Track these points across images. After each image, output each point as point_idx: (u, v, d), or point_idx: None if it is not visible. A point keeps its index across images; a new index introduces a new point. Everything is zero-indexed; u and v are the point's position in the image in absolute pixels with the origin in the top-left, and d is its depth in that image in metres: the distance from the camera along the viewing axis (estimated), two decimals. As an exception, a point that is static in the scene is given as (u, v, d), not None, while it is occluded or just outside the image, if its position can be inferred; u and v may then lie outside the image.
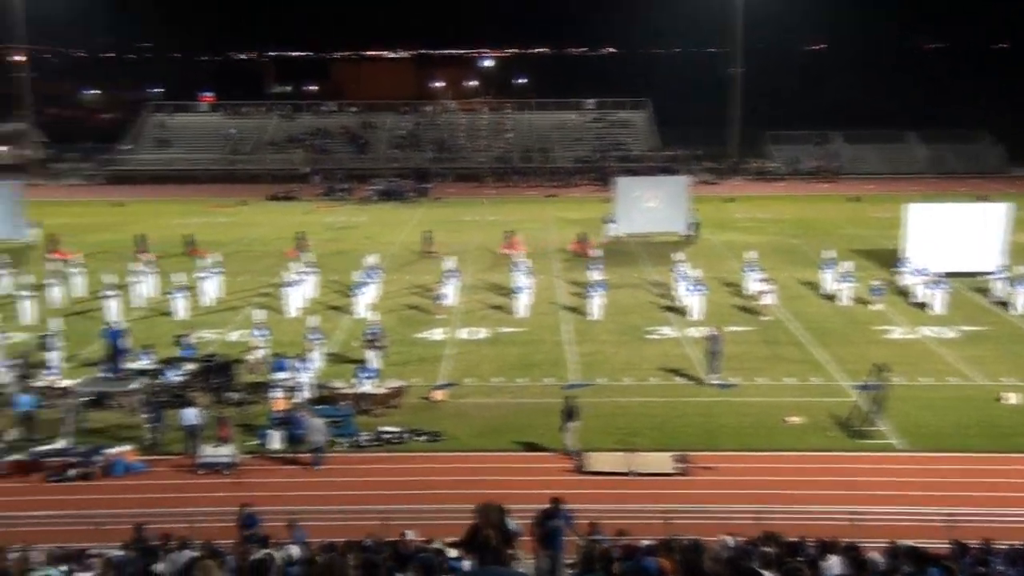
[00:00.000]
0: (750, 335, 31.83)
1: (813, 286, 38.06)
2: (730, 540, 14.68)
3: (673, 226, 48.99)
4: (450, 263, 38.05)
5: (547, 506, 16.06)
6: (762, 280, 35.83)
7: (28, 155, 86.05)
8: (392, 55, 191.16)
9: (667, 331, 32.70)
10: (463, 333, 32.65)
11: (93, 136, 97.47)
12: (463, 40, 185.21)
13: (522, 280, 35.95)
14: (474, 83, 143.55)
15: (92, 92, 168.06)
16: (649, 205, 49.42)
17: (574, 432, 22.33)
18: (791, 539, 15.22)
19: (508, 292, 36.86)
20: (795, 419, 24.20)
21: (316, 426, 22.35)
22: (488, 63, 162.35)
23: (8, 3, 79.64)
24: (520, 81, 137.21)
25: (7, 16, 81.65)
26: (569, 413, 22.41)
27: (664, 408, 25.48)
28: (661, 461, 21.72)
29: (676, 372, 28.24)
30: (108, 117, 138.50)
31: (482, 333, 32.69)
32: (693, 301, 34.21)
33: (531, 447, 22.83)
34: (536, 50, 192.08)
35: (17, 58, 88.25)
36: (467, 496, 19.25)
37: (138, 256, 40.59)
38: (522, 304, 35.00)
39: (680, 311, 34.82)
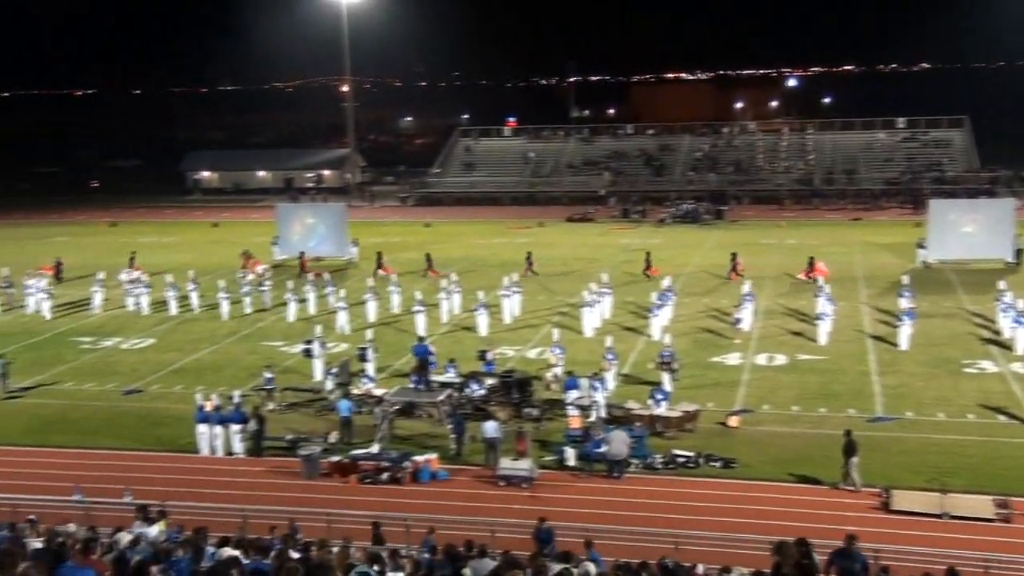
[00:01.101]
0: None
1: None
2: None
3: (995, 252, 45.41)
4: (747, 287, 37.25)
5: (841, 544, 15.27)
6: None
7: (350, 179, 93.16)
8: (691, 77, 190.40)
9: (987, 365, 30.28)
10: (760, 359, 31.82)
11: (407, 161, 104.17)
12: (765, 60, 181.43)
13: (825, 306, 34.54)
14: (775, 103, 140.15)
15: (407, 119, 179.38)
16: (966, 230, 46.15)
17: (856, 468, 21.22)
18: None
19: (808, 318, 35.56)
20: None
21: (619, 438, 22.56)
22: (792, 82, 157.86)
23: (336, 40, 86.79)
24: (825, 100, 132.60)
25: (336, 51, 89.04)
26: (848, 448, 21.30)
27: (982, 448, 23.57)
28: (981, 505, 20.05)
29: (998, 410, 26.05)
30: (421, 142, 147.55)
31: (780, 359, 31.71)
32: (1019, 334, 31.49)
33: (828, 481, 21.81)
34: (843, 68, 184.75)
35: (343, 89, 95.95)
36: (760, 526, 18.80)
37: (431, 274, 43.05)
38: (824, 331, 33.62)
39: (1004, 344, 32.15)
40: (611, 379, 28.11)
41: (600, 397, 25.95)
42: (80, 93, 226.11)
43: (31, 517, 16.68)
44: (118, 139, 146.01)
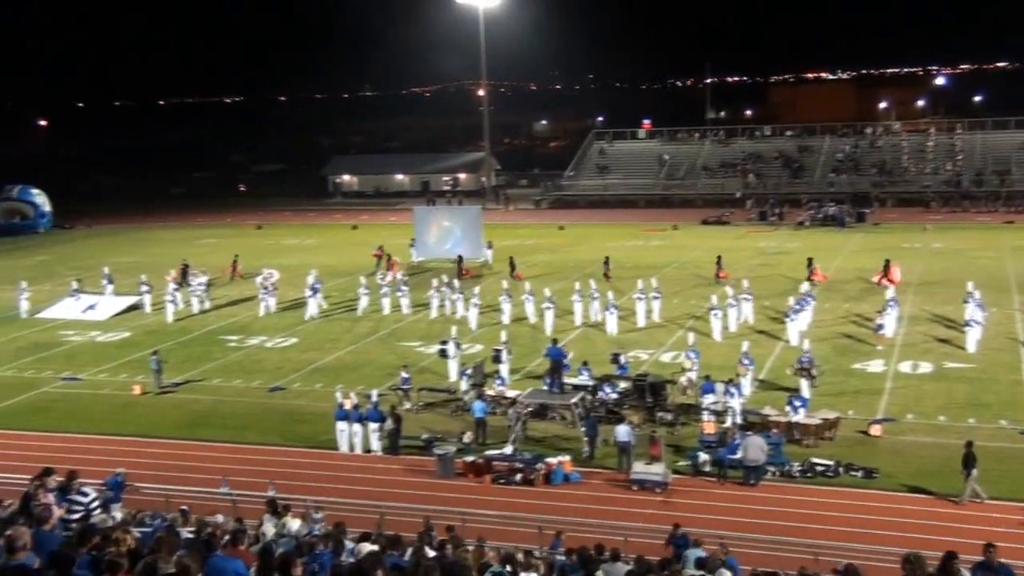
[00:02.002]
0: None
1: None
2: None
3: None
4: (890, 292, 36.03)
5: (981, 558, 14.63)
6: None
7: (485, 182, 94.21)
8: (832, 76, 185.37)
9: None
10: (904, 366, 30.74)
11: (541, 163, 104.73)
12: (911, 58, 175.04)
13: (974, 312, 33.12)
14: (922, 102, 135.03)
15: (542, 122, 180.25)
16: None
17: (974, 481, 20.40)
18: None
19: (956, 325, 34.18)
20: None
21: (755, 443, 22.19)
22: (940, 81, 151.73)
23: (473, 44, 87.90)
24: (976, 99, 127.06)
25: (473, 56, 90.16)
26: (967, 460, 20.46)
27: None
28: None
29: None
30: (555, 145, 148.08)
31: (925, 367, 30.57)
32: None
33: (951, 494, 20.92)
34: (996, 65, 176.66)
35: (480, 93, 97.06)
36: (901, 539, 18.20)
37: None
38: (973, 338, 32.25)
39: None
40: (747, 384, 27.63)
41: (736, 403, 25.53)
42: (230, 100, 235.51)
43: (183, 507, 17.45)
44: (265, 145, 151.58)
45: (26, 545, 7.69)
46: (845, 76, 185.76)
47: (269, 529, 14.72)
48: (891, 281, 39.89)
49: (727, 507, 21.06)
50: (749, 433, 23.06)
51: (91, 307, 42.87)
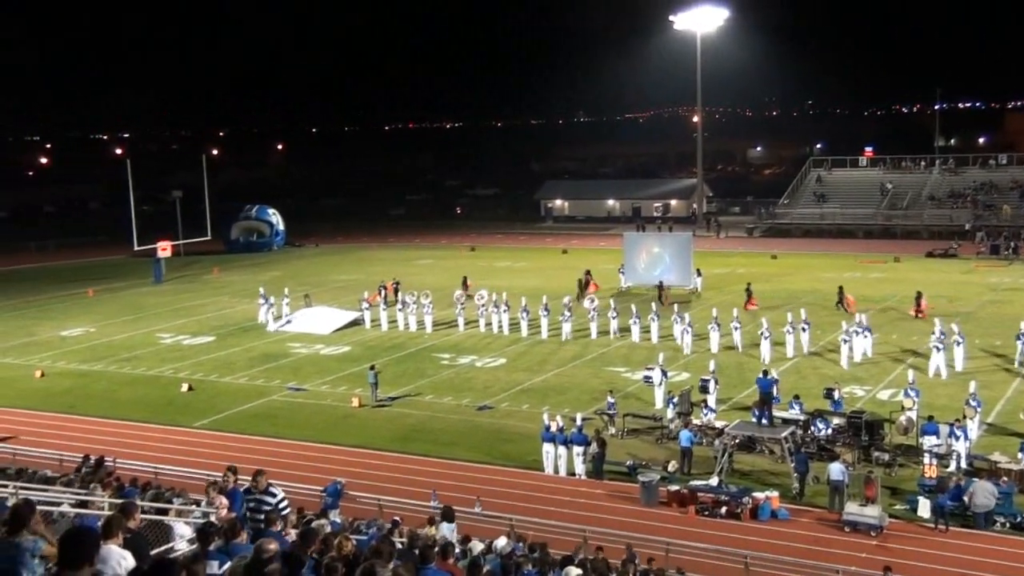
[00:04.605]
0: None
1: None
2: None
3: None
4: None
5: None
6: None
7: (696, 209, 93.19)
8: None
9: None
10: None
11: (755, 191, 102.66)
12: None
13: None
14: None
15: (757, 149, 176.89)
16: None
17: None
18: None
19: None
20: None
21: (984, 488, 20.96)
22: None
23: (689, 70, 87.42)
24: None
25: (688, 82, 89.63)
26: None
27: None
28: None
29: None
30: (770, 172, 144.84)
31: None
32: None
33: None
34: None
35: (694, 119, 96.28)
36: None
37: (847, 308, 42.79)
38: None
39: None
40: (974, 427, 26.03)
41: (961, 446, 24.10)
42: (449, 126, 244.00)
43: (395, 518, 18.12)
44: (481, 169, 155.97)
45: (273, 557, 8.15)
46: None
47: (477, 545, 15.08)
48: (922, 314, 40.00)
49: (947, 556, 19.89)
50: (976, 480, 21.73)
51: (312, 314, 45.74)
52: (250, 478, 12.61)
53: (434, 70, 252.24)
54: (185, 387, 35.06)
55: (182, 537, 11.54)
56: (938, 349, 33.46)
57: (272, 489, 12.23)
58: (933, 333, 34.10)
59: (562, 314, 41.49)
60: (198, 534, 9.94)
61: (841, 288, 46.29)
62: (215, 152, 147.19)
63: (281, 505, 12.00)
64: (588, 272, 53.08)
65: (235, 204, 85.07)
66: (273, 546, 8.15)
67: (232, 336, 44.19)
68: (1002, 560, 19.72)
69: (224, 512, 11.74)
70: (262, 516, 11.40)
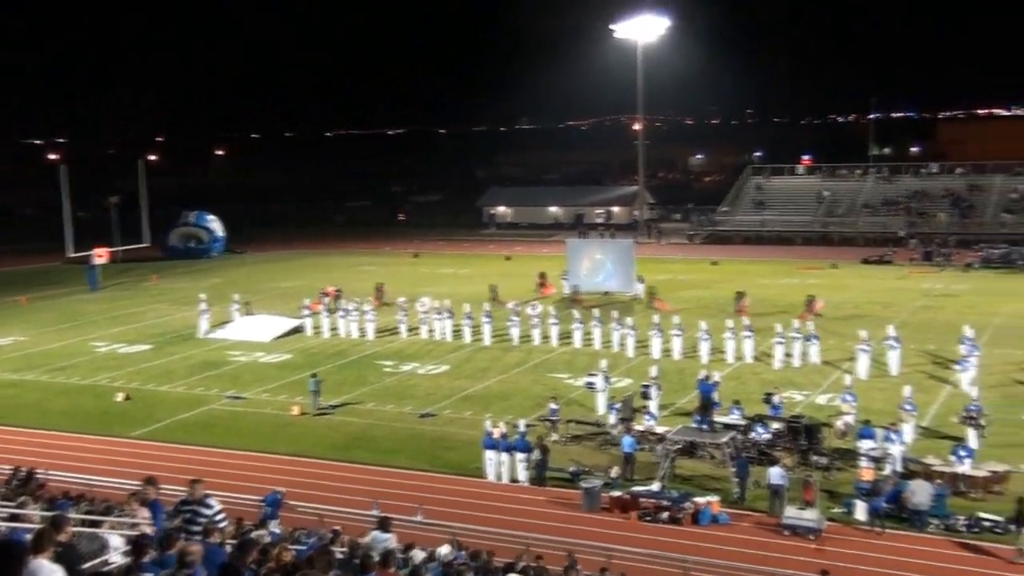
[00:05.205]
0: None
1: None
2: None
3: None
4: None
5: None
6: None
7: (638, 216, 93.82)
8: (1007, 113, 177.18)
9: None
10: (1084, 419, 28.90)
11: (696, 198, 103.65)
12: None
13: None
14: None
15: (698, 157, 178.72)
16: None
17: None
18: None
19: None
20: None
21: (923, 487, 21.46)
22: None
23: (631, 79, 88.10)
24: None
25: (630, 90, 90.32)
26: (1020, 517, 19.53)
27: None
28: None
29: None
30: (710, 180, 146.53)
31: (1107, 422, 28.66)
32: None
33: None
34: None
35: (636, 127, 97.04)
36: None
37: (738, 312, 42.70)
38: None
39: None
40: (909, 431, 26.52)
41: (896, 450, 24.54)
42: (391, 133, 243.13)
43: (336, 528, 17.95)
44: (424, 176, 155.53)
45: (195, 563, 8.02)
46: (1021, 112, 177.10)
47: (419, 554, 14.98)
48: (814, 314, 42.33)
49: (883, 558, 20.23)
50: (912, 480, 22.23)
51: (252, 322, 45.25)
52: (186, 489, 12.39)
53: (379, 78, 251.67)
54: (121, 396, 34.42)
55: (116, 550, 11.30)
56: (864, 352, 34.25)
57: (208, 500, 12.02)
58: (861, 338, 34.85)
59: (509, 319, 41.60)
60: (132, 546, 9.75)
61: (740, 293, 46.68)
62: (152, 158, 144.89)
63: (218, 517, 11.80)
64: (543, 275, 53.32)
65: (175, 210, 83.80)
66: (196, 548, 8.00)
67: (171, 344, 43.49)
68: (936, 561, 20.11)
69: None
70: (199, 528, 11.20)
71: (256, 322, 45.78)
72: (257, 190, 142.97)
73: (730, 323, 38.18)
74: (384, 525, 16.03)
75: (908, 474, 23.60)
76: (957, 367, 33.23)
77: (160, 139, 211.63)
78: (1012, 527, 20.85)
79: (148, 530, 11.18)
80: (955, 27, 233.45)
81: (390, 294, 49.49)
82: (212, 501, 12.03)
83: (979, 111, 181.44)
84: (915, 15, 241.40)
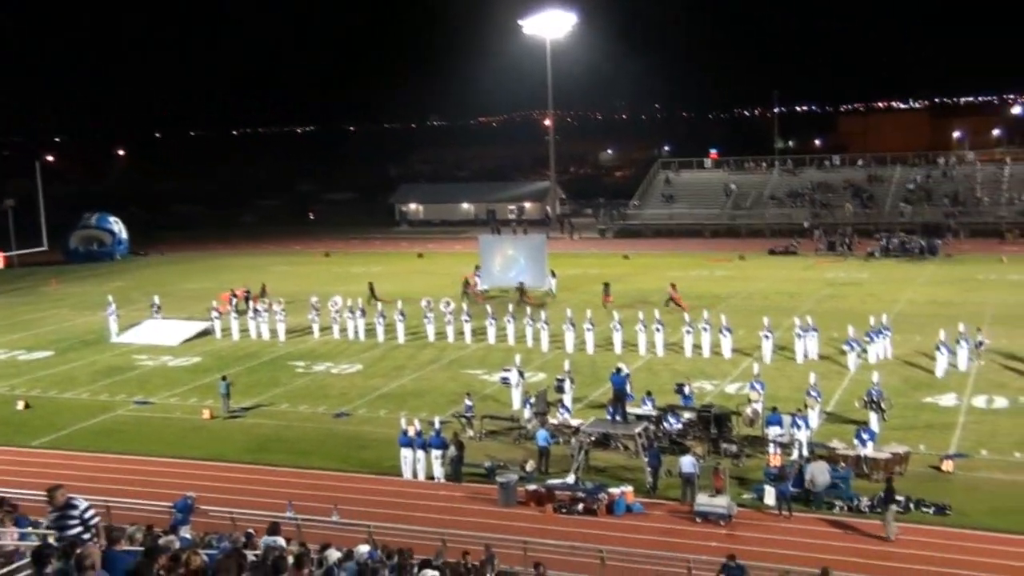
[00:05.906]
0: None
1: None
2: None
3: None
4: (961, 327, 35.24)
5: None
6: None
7: (550, 211, 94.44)
8: (904, 106, 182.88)
9: None
10: (978, 401, 30.04)
11: (607, 193, 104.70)
12: (987, 87, 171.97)
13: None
14: (997, 132, 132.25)
15: (608, 152, 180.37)
16: None
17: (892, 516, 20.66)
18: None
19: (1032, 359, 33.34)
20: None
21: (821, 468, 22.05)
22: (1016, 110, 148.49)
23: (540, 75, 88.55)
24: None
25: (540, 86, 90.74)
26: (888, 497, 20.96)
27: None
28: None
29: None
30: (621, 175, 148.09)
31: (1001, 402, 29.84)
32: None
33: None
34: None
35: (546, 123, 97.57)
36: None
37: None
38: (1050, 373, 31.43)
39: None
40: (815, 417, 27.24)
41: (802, 435, 25.19)
42: (301, 131, 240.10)
43: (249, 531, 17.67)
44: (335, 174, 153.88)
45: (95, 564, 7.86)
46: (918, 105, 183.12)
47: (334, 554, 14.86)
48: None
49: (792, 541, 20.74)
50: (811, 462, 22.93)
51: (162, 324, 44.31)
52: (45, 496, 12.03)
53: (289, 75, 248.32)
54: (21, 404, 33.37)
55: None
56: (799, 336, 35.76)
57: (73, 501, 11.65)
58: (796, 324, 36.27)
59: (425, 316, 41.52)
60: (34, 556, 9.49)
61: (673, 285, 47.36)
62: (51, 159, 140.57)
63: (88, 515, 11.50)
64: (477, 267, 53.41)
65: (75, 213, 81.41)
66: (93, 549, 7.84)
67: (73, 350, 42.31)
68: (842, 542, 20.70)
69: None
70: (72, 532, 10.93)
71: (164, 325, 44.80)
72: (161, 193, 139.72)
73: (641, 315, 38.71)
74: (274, 530, 15.88)
75: (813, 458, 24.22)
76: (854, 352, 34.20)
77: (58, 139, 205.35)
78: (878, 508, 21.63)
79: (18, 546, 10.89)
80: (853, 21, 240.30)
81: (296, 294, 48.90)
82: (78, 501, 11.69)
83: (878, 104, 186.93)
84: (815, 11, 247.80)
